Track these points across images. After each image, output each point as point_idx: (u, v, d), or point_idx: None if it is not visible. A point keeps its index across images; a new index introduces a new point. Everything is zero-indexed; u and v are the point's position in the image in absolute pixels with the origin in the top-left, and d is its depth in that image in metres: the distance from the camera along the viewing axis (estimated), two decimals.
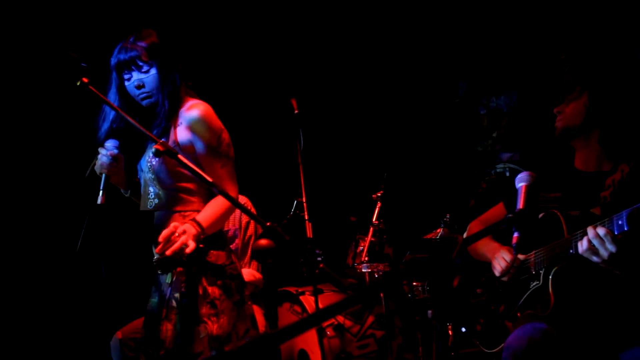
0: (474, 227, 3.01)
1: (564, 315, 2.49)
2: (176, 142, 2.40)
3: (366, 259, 4.00)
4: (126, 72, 2.42)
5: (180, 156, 2.06)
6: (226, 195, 2.13)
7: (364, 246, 4.05)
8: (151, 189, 2.51)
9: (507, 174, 5.89)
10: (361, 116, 5.36)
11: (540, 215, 2.60)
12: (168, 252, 2.25)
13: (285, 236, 1.97)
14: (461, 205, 4.26)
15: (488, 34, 5.64)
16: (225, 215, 2.41)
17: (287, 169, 4.12)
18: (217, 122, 2.46)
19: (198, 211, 2.43)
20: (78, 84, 2.05)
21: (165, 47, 2.47)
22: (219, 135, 2.43)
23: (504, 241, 2.78)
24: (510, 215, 1.87)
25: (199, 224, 2.32)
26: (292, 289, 4.18)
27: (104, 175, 2.37)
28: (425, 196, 4.96)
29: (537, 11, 5.31)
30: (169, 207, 2.48)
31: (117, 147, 2.41)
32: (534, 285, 2.57)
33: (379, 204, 4.11)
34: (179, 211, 2.47)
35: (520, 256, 2.65)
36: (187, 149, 2.40)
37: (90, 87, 2.07)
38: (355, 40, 5.35)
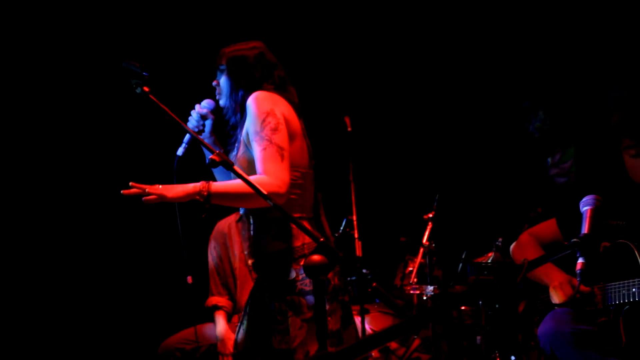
0: (524, 239, 2.85)
1: (636, 354, 2.34)
2: (242, 139, 2.44)
3: (415, 280, 3.93)
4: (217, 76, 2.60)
5: (235, 167, 2.05)
6: (251, 185, 2.01)
7: (413, 267, 3.98)
8: None
9: None
10: (414, 135, 5.31)
11: (604, 245, 2.46)
12: (126, 192, 2.18)
13: (339, 253, 1.93)
14: (514, 230, 4.14)
15: (546, 55, 5.53)
16: (242, 195, 2.23)
17: (338, 186, 4.10)
18: (263, 105, 2.36)
19: (270, 210, 2.34)
20: (139, 91, 2.08)
21: (242, 59, 2.52)
22: (262, 118, 2.34)
23: (560, 262, 2.64)
24: (575, 240, 1.79)
25: (209, 184, 2.21)
26: None
27: (192, 128, 2.45)
28: (477, 219, 4.85)
29: (596, 35, 5.18)
30: (244, 209, 2.47)
31: (211, 108, 2.53)
32: (601, 321, 2.43)
33: (430, 225, 4.04)
34: (252, 211, 2.43)
35: (584, 288, 2.48)
36: (247, 139, 2.41)
37: (151, 96, 2.09)
38: (409, 59, 5.32)
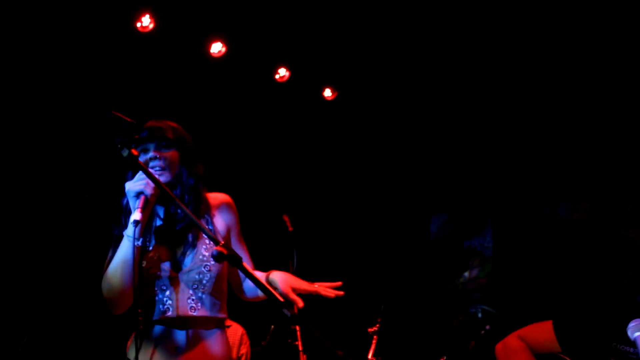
0: (514, 345, 2.52)
1: None
2: (217, 232, 2.26)
3: None
4: (146, 144, 2.20)
5: (244, 263, 1.67)
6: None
7: None
8: (191, 292, 2.16)
9: (480, 315, 5.64)
10: (357, 243, 5.10)
11: None
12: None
13: None
14: (459, 346, 3.92)
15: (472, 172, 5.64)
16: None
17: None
18: None
19: (224, 317, 2.24)
20: (125, 154, 1.67)
21: (188, 137, 2.31)
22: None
23: None
24: None
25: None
26: None
27: (145, 194, 2.01)
28: (422, 333, 4.59)
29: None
30: (212, 312, 2.19)
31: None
32: None
33: (375, 339, 3.70)
34: (222, 317, 2.23)
35: None
36: (225, 237, 2.32)
37: (140, 161, 1.70)
38: (345, 164, 5.22)
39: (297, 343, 3.36)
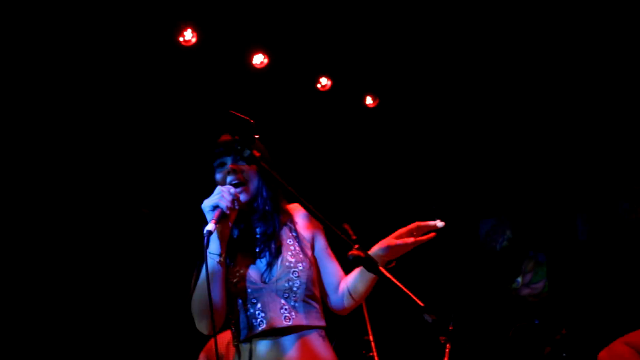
0: (621, 351, 2.47)
1: None
2: (302, 240, 2.20)
3: None
4: (223, 158, 2.17)
5: (381, 267, 1.58)
6: None
7: None
8: (283, 301, 2.07)
9: (537, 321, 5.51)
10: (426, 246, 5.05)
11: None
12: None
13: None
14: (532, 352, 3.80)
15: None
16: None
17: None
18: None
19: (323, 327, 2.09)
20: (247, 155, 1.59)
21: (264, 149, 2.22)
22: None
23: None
24: None
25: None
26: None
27: (222, 207, 1.97)
28: (487, 339, 4.48)
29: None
30: (307, 320, 2.07)
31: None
32: None
33: (448, 346, 3.58)
34: (317, 327, 2.08)
35: None
36: (311, 246, 2.22)
37: (263, 163, 1.62)
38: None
39: (371, 354, 3.25)
